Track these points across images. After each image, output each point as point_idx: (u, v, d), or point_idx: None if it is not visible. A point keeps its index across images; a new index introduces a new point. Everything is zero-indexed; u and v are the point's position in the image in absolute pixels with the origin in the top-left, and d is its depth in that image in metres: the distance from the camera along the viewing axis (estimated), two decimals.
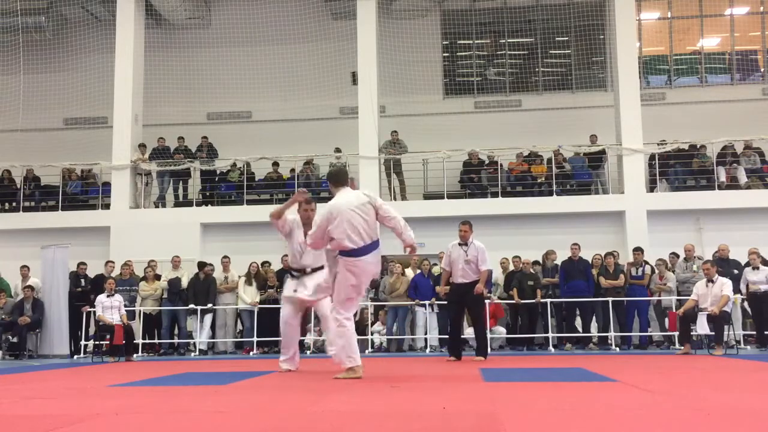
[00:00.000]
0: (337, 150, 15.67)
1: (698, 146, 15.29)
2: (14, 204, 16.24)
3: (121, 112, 15.77)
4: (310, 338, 12.10)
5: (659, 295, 12.23)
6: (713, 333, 9.82)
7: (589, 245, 12.81)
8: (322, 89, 16.97)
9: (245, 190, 15.63)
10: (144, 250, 13.88)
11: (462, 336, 9.69)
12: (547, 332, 12.08)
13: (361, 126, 15.35)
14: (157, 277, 13.06)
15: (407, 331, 12.64)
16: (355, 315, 6.41)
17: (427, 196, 15.64)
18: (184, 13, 17.37)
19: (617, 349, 11.71)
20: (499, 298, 12.51)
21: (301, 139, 16.73)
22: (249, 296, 12.60)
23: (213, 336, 12.93)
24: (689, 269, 12.23)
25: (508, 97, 17.97)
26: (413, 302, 12.35)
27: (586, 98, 17.23)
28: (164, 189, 15.99)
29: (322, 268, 6.90)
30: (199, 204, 15.86)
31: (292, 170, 15.89)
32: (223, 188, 16.09)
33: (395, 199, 15.45)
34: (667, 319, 11.96)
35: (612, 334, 11.90)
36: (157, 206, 15.87)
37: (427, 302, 12.19)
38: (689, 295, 10.68)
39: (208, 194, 16.16)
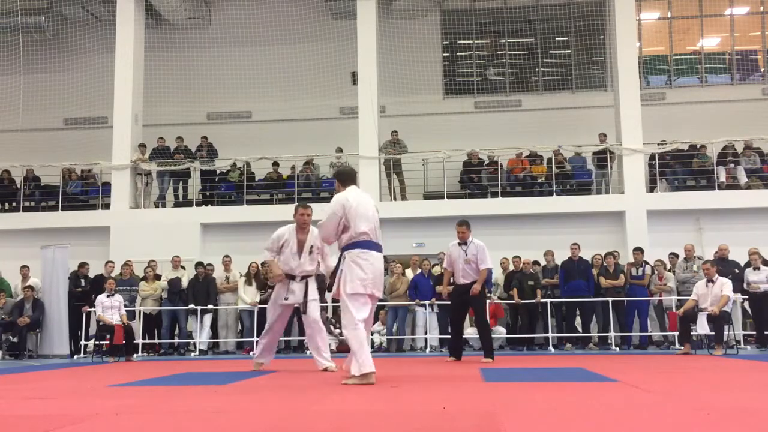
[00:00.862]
0: (339, 150, 15.67)
1: (698, 146, 15.29)
2: (14, 204, 16.24)
3: (121, 112, 15.78)
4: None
5: (659, 296, 12.23)
6: (713, 333, 9.82)
7: (589, 245, 12.81)
8: (322, 89, 16.99)
9: (245, 190, 15.63)
10: (144, 250, 13.89)
11: (462, 336, 9.66)
12: (547, 332, 12.08)
13: (361, 126, 15.36)
14: (157, 277, 13.07)
15: (407, 331, 12.65)
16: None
17: (427, 196, 15.63)
18: (184, 13, 17.38)
19: (617, 349, 11.70)
20: (499, 298, 12.51)
21: (301, 139, 16.75)
22: (249, 296, 12.61)
23: (213, 336, 12.93)
24: (689, 269, 12.23)
25: (508, 97, 17.97)
26: (413, 302, 12.35)
27: (586, 98, 17.24)
28: (164, 189, 15.99)
29: (310, 276, 7.15)
30: (199, 204, 15.86)
31: (293, 168, 15.87)
32: (223, 188, 16.09)
33: (395, 199, 15.45)
34: (667, 319, 11.96)
35: (612, 334, 11.90)
36: (157, 206, 15.87)
37: (427, 302, 12.19)
38: (689, 295, 10.68)
39: (208, 194, 16.16)
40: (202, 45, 17.63)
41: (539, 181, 15.40)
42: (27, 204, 16.10)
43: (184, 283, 12.84)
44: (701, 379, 6.35)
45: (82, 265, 13.31)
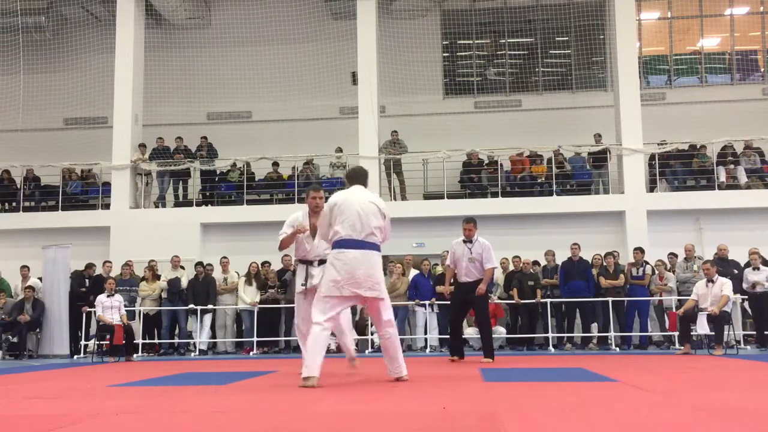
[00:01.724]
0: (339, 150, 15.67)
1: (698, 146, 15.30)
2: (14, 204, 16.24)
3: (121, 112, 15.78)
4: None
5: (660, 296, 12.23)
6: (713, 333, 9.82)
7: (589, 245, 12.81)
8: (322, 89, 16.99)
9: (245, 190, 15.63)
10: (144, 250, 13.89)
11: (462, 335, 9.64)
12: (547, 332, 12.08)
13: (361, 126, 15.36)
14: (157, 277, 13.07)
15: (407, 331, 12.64)
16: (354, 314, 6.26)
17: (427, 196, 15.64)
18: (184, 13, 17.38)
19: (617, 349, 11.70)
20: (499, 298, 12.51)
21: (301, 139, 16.75)
22: (249, 296, 12.61)
23: (213, 336, 12.93)
24: (689, 269, 12.22)
25: (508, 97, 17.97)
26: (413, 302, 12.35)
27: (586, 98, 17.24)
28: (164, 189, 15.99)
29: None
30: (199, 204, 15.86)
31: (293, 168, 15.86)
32: (223, 188, 16.10)
33: (395, 199, 15.44)
34: (667, 319, 11.96)
35: (612, 334, 11.90)
36: (157, 206, 15.88)
37: (427, 302, 12.19)
38: (689, 295, 10.67)
39: (208, 194, 16.16)
40: (202, 45, 17.63)
41: (539, 181, 15.40)
42: (27, 204, 16.11)
43: (184, 283, 12.84)
44: (701, 379, 6.34)
45: (89, 266, 13.32)
